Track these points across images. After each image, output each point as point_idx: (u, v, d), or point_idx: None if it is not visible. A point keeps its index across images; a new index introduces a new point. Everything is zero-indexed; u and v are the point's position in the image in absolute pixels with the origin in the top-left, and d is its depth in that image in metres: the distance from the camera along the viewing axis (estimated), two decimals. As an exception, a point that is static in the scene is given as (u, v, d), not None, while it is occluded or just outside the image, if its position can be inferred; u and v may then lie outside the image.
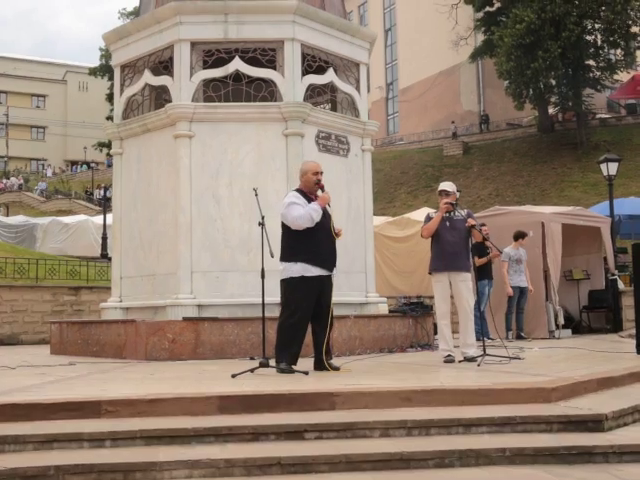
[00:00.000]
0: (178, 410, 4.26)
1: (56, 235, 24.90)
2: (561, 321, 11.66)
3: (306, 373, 5.71)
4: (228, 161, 8.62)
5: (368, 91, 10.20)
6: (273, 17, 8.85)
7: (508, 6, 32.82)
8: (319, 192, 6.16)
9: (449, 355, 6.93)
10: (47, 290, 13.46)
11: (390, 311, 9.52)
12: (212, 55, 8.94)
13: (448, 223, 7.01)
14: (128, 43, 9.56)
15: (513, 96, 33.51)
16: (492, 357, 6.66)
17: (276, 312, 6.30)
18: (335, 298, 6.27)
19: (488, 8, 37.16)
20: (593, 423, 4.24)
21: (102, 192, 32.60)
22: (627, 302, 12.41)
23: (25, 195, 46.96)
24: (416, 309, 9.32)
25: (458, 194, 8.30)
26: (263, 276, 6.14)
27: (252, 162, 8.63)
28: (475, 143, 39.59)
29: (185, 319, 7.89)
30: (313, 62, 9.22)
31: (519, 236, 11.25)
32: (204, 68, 8.97)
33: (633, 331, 8.50)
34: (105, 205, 25.17)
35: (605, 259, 13.20)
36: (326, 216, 6.12)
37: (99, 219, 25.25)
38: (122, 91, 9.74)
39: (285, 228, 6.13)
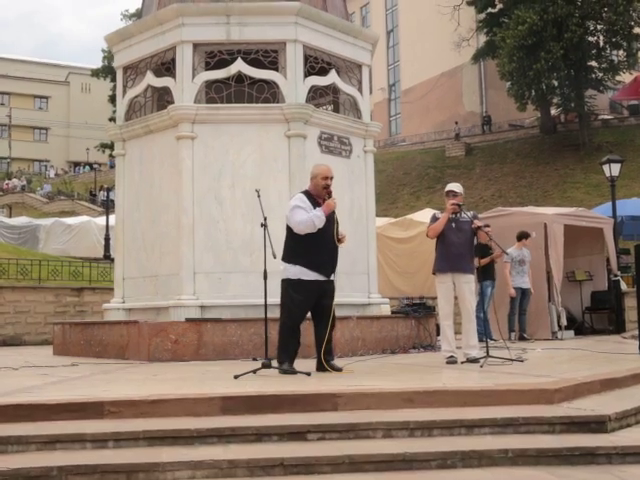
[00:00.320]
0: (181, 411, 4.26)
1: (59, 236, 24.92)
2: (564, 322, 11.66)
3: (308, 374, 5.71)
4: (230, 162, 8.62)
5: (370, 92, 10.22)
6: (275, 19, 8.86)
7: (510, 7, 32.82)
8: (327, 197, 6.09)
9: (451, 356, 6.92)
10: (50, 291, 13.49)
11: (392, 312, 9.52)
12: (214, 56, 8.95)
13: (454, 224, 7.00)
14: (130, 45, 9.58)
15: (515, 97, 33.47)
16: (495, 358, 6.66)
17: (279, 313, 6.30)
18: (337, 299, 6.27)
19: (490, 9, 37.16)
20: (596, 424, 4.24)
21: (105, 193, 32.62)
22: (630, 303, 12.37)
23: (28, 196, 46.97)
24: (418, 310, 9.32)
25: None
26: (266, 277, 6.14)
27: (254, 163, 8.63)
28: (477, 144, 39.55)
29: (188, 320, 7.89)
30: (315, 63, 9.23)
31: (522, 236, 11.24)
32: (206, 69, 8.98)
33: (636, 332, 8.50)
34: (108, 206, 25.18)
35: (608, 260, 13.18)
36: (330, 222, 6.05)
37: (102, 220, 25.27)
38: (124, 92, 9.76)
39: (289, 229, 6.13)
